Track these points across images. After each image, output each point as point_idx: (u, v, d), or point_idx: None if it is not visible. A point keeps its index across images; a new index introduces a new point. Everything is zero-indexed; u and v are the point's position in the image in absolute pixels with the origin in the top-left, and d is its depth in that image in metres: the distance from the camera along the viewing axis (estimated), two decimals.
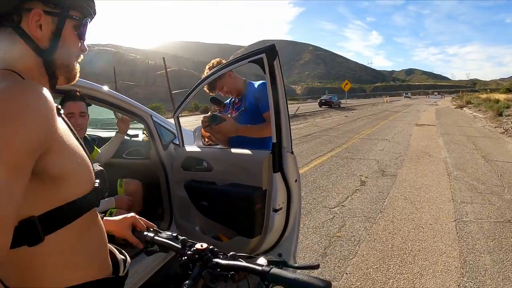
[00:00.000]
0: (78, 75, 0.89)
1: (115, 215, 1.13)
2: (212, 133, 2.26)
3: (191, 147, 2.43)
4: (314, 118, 20.23)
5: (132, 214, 1.13)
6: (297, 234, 2.11)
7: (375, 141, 10.38)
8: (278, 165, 1.93)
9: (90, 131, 3.17)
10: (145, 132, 2.80)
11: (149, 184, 2.80)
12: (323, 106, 34.83)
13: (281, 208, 1.97)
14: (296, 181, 2.01)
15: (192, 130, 2.67)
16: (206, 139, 2.50)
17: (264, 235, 1.99)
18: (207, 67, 2.38)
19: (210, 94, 2.40)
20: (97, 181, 0.83)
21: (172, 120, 2.60)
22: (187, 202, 2.32)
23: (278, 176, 1.94)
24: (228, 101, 2.58)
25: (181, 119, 2.49)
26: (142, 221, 1.13)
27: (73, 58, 0.85)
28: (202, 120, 2.22)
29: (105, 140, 2.83)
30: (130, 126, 2.75)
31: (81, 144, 0.81)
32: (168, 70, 27.26)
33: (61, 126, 0.73)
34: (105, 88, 2.30)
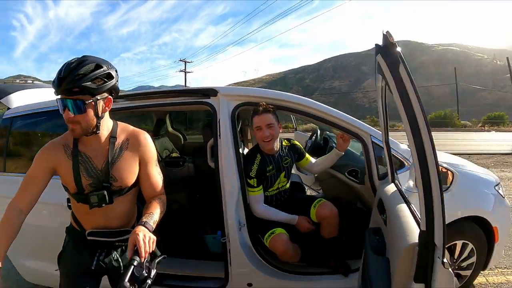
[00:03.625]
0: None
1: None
2: None
3: (394, 187, 1.91)
4: None
5: (142, 237, 1.23)
6: None
7: None
8: (422, 272, 1.21)
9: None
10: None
11: (356, 214, 2.65)
12: None
13: None
14: None
15: None
16: None
17: None
18: None
19: None
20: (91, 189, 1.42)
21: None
22: None
23: None
24: None
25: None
26: (146, 247, 1.23)
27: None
28: None
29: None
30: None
31: (75, 174, 1.41)
32: None
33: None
34: (310, 100, 2.36)
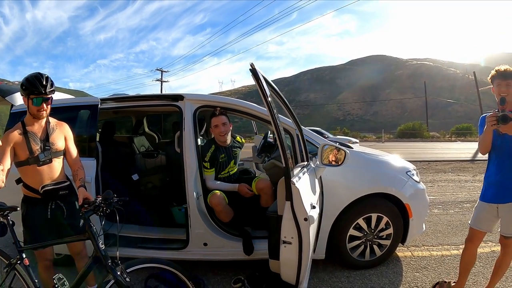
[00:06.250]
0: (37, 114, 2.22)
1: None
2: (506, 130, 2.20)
3: (304, 163, 2.69)
4: None
5: (86, 195, 2.11)
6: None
7: None
8: (287, 193, 1.91)
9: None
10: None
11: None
12: None
13: (290, 243, 1.95)
14: (305, 220, 1.90)
15: None
16: (331, 161, 2.68)
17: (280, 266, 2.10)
18: (496, 69, 2.39)
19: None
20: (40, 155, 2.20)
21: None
22: None
23: (287, 205, 1.93)
24: None
25: None
26: (87, 199, 2.06)
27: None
28: (488, 116, 2.23)
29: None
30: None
31: (27, 143, 2.17)
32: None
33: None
34: (252, 104, 3.12)
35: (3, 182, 1.74)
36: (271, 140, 4.36)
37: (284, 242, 1.98)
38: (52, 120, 2.38)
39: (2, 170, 1.93)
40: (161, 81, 37.07)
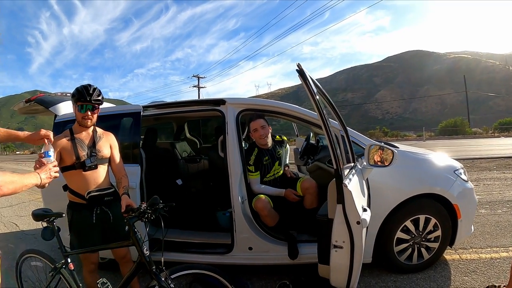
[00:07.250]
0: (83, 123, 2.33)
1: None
2: None
3: (351, 165, 2.57)
4: None
5: (129, 202, 2.14)
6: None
7: None
8: (339, 195, 1.87)
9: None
10: None
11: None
12: None
13: (341, 247, 1.92)
14: (358, 223, 1.86)
15: None
16: (377, 161, 2.62)
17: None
18: None
19: None
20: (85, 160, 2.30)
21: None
22: None
23: (339, 208, 1.89)
24: None
25: None
26: (130, 206, 2.10)
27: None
28: None
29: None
30: None
31: (75, 149, 2.29)
32: None
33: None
34: (293, 106, 3.14)
35: (57, 173, 1.77)
36: (314, 142, 4.33)
37: (335, 246, 1.95)
38: (99, 130, 2.48)
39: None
40: (198, 87, 37.37)
